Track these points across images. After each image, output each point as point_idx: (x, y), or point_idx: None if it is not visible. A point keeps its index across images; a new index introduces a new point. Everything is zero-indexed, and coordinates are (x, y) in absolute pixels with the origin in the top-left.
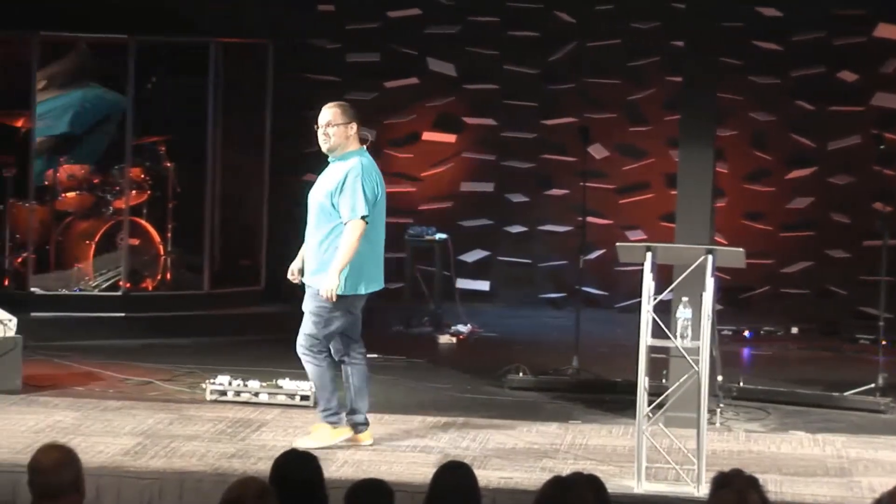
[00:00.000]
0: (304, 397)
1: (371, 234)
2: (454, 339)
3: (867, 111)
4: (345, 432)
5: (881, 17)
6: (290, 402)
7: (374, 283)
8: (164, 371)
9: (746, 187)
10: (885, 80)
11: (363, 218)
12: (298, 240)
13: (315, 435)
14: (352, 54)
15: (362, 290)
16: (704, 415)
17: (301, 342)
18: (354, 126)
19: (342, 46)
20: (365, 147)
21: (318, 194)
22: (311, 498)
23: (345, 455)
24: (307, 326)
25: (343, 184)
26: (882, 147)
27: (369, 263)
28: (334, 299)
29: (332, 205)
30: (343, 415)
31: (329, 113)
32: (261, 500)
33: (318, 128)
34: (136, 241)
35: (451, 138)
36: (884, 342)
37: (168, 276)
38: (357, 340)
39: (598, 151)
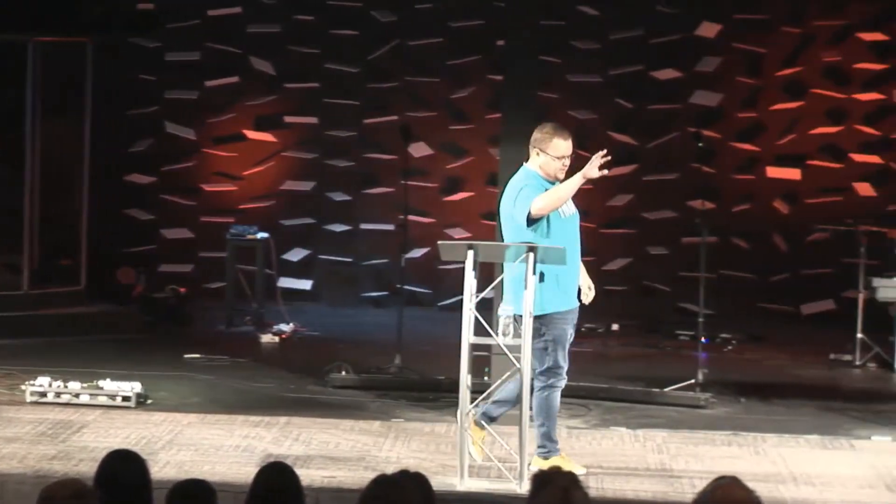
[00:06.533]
0: (125, 398)
1: None
2: (277, 339)
3: (685, 109)
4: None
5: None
6: (111, 402)
7: None
8: None
9: None
10: (703, 79)
11: None
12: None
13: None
14: (171, 53)
15: None
16: (527, 412)
17: None
18: None
19: (162, 45)
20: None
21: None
22: (136, 498)
23: (167, 455)
24: None
25: None
26: (700, 145)
27: None
28: None
29: None
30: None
31: None
32: (76, 500)
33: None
34: None
35: (272, 137)
36: (703, 338)
37: None
38: None
39: (419, 150)
